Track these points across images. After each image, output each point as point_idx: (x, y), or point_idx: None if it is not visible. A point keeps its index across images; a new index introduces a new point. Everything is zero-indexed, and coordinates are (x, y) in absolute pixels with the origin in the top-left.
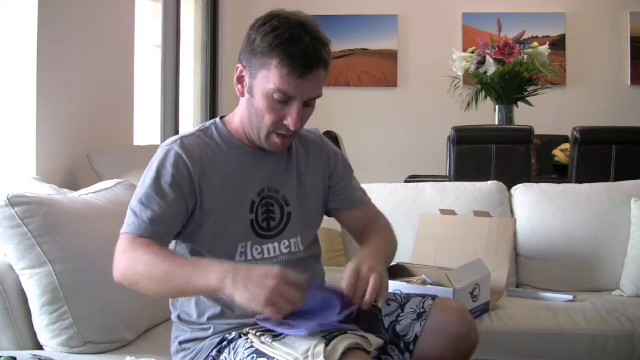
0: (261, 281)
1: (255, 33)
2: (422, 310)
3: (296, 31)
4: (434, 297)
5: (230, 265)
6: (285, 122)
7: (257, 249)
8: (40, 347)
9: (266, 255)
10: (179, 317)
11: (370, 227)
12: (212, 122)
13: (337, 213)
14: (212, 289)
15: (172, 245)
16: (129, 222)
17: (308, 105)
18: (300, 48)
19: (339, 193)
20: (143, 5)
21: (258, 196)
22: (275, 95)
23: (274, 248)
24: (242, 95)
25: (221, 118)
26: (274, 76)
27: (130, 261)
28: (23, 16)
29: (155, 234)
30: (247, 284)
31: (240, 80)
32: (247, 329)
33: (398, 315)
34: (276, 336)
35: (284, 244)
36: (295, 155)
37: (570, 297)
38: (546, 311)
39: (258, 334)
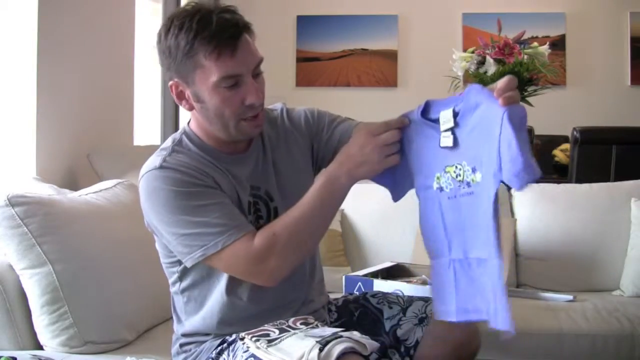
0: (362, 154)
1: (166, 43)
2: (424, 315)
3: (200, 15)
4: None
5: (331, 168)
6: (247, 103)
7: None
8: (40, 347)
9: None
10: (184, 334)
11: None
12: (181, 132)
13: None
14: (342, 190)
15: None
16: (217, 241)
17: (257, 75)
18: (215, 27)
19: (333, 136)
20: (143, 5)
21: (251, 197)
22: (223, 84)
23: None
24: (191, 108)
25: (188, 123)
26: (210, 67)
27: (278, 250)
28: (23, 16)
29: (241, 225)
30: (355, 166)
31: (181, 95)
32: (243, 334)
33: (399, 319)
34: (271, 341)
35: None
36: (268, 145)
37: (570, 297)
38: (546, 311)
39: (253, 339)
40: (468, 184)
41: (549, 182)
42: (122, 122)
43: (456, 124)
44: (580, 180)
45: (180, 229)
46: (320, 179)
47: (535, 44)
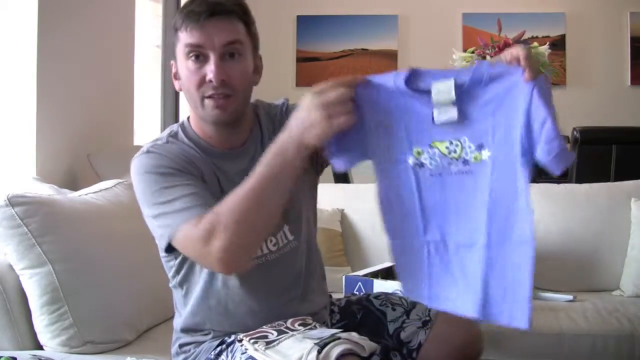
0: (309, 116)
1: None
2: (427, 318)
3: None
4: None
5: (280, 137)
6: (207, 79)
7: None
8: (40, 347)
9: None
10: (182, 328)
11: None
12: (179, 125)
13: None
14: (293, 159)
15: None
16: (172, 223)
17: (232, 57)
18: (196, 2)
19: None
20: (143, 5)
21: None
22: (190, 55)
23: (260, 246)
24: (180, 88)
25: (188, 117)
26: (181, 38)
27: (221, 229)
28: (23, 16)
29: (202, 205)
30: (304, 130)
31: (175, 76)
32: (241, 336)
33: (403, 322)
34: (269, 343)
35: (270, 240)
36: (267, 141)
37: (570, 297)
38: (546, 311)
39: (252, 341)
40: (465, 161)
41: (549, 182)
42: (122, 122)
43: (458, 97)
44: (580, 180)
45: (151, 211)
46: (269, 150)
47: (535, 44)
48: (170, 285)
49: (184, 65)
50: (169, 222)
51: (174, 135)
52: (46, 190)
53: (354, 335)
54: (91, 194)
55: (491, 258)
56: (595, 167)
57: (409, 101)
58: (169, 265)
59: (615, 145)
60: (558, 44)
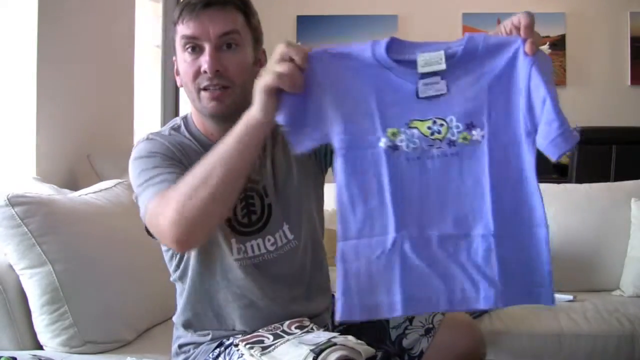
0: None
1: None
2: (430, 325)
3: None
4: (443, 312)
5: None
6: (202, 70)
7: (241, 248)
8: (40, 347)
9: (250, 254)
10: (181, 323)
11: None
12: (182, 118)
13: None
14: (252, 127)
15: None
16: (144, 200)
17: (229, 48)
18: None
19: None
20: (143, 5)
21: (245, 190)
22: (186, 46)
23: (258, 245)
24: (181, 84)
25: (191, 112)
26: (178, 30)
27: (171, 204)
28: (23, 16)
29: (162, 183)
30: (258, 93)
31: (177, 71)
32: (238, 340)
33: (405, 328)
34: (265, 348)
35: (269, 240)
36: (269, 140)
37: (570, 297)
38: (546, 311)
39: (247, 346)
40: (451, 142)
41: (549, 182)
42: (122, 122)
43: (448, 69)
44: (580, 180)
45: (135, 194)
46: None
47: None
48: (171, 279)
49: (181, 58)
50: (142, 200)
51: (176, 128)
52: (46, 190)
53: (350, 339)
54: (91, 194)
55: (502, 244)
56: (595, 167)
57: (385, 73)
58: (168, 256)
59: (615, 145)
60: (558, 44)
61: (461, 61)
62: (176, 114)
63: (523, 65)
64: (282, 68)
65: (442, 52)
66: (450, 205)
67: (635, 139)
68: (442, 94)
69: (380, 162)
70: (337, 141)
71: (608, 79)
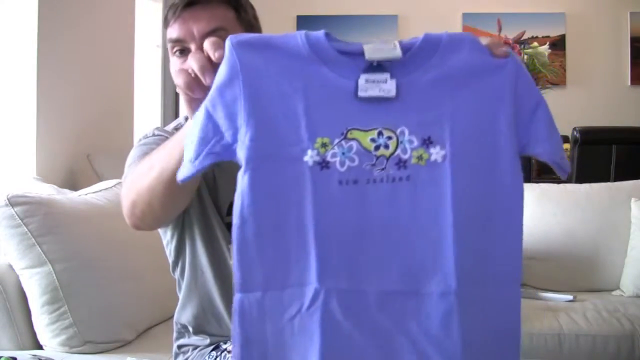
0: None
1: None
2: None
3: None
4: None
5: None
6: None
7: None
8: (40, 347)
9: None
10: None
11: None
12: (185, 117)
13: None
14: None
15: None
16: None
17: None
18: None
19: None
20: (143, 5)
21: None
22: (174, 51)
23: None
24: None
25: None
26: (167, 34)
27: (125, 184)
28: (23, 16)
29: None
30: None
31: None
32: (228, 345)
33: None
34: None
35: None
36: None
37: (570, 297)
38: (546, 311)
39: None
40: (401, 163)
41: (549, 182)
42: (122, 122)
43: (400, 68)
44: (580, 180)
45: (124, 172)
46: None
47: (535, 44)
48: (174, 275)
49: (172, 63)
50: (122, 179)
51: (179, 128)
52: (46, 190)
53: None
54: (91, 194)
55: (465, 307)
56: (595, 167)
57: (318, 67)
58: (168, 250)
59: (615, 145)
60: (558, 44)
61: (418, 56)
62: (176, 114)
63: (501, 65)
64: (193, 62)
65: (396, 42)
66: (397, 249)
67: (635, 139)
68: (388, 97)
69: (302, 184)
70: (245, 150)
71: (608, 79)
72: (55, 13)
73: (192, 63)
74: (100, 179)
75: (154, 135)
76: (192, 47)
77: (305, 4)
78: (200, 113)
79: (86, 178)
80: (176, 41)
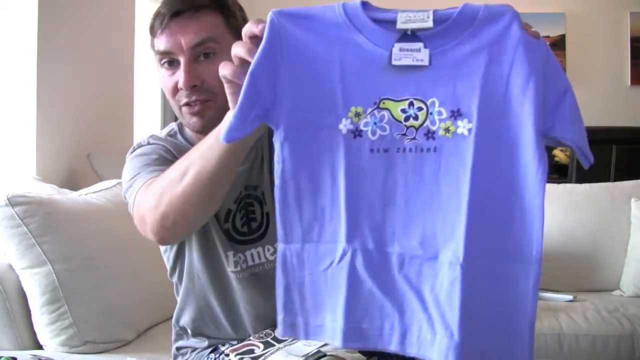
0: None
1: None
2: None
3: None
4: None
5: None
6: (178, 86)
7: (240, 257)
8: (40, 347)
9: (250, 263)
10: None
11: None
12: (177, 124)
13: None
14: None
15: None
16: (132, 193)
17: (207, 58)
18: (164, 1)
19: None
20: (143, 5)
21: (235, 203)
22: (162, 61)
23: (258, 254)
24: None
25: None
26: (154, 44)
27: (154, 195)
28: (23, 17)
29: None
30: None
31: None
32: (228, 350)
33: None
34: (255, 359)
35: (268, 250)
36: (266, 143)
37: (570, 297)
38: (546, 311)
39: (238, 356)
40: (430, 133)
41: (549, 182)
42: (122, 122)
43: (435, 38)
44: (580, 180)
45: (126, 185)
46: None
47: None
48: (171, 280)
49: (160, 75)
50: (130, 193)
51: (172, 134)
52: (46, 190)
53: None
54: (91, 194)
55: (470, 280)
56: (595, 167)
57: (354, 35)
58: (166, 256)
59: (615, 145)
60: (558, 44)
61: (453, 28)
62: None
63: (534, 45)
64: (238, 50)
65: (430, 11)
66: (420, 216)
67: (635, 139)
68: (422, 66)
69: (336, 150)
70: (284, 119)
71: (608, 79)
72: (55, 13)
73: (238, 50)
74: (100, 179)
75: (149, 144)
76: (181, 59)
77: (305, 4)
78: (246, 80)
79: (86, 178)
80: (164, 53)
